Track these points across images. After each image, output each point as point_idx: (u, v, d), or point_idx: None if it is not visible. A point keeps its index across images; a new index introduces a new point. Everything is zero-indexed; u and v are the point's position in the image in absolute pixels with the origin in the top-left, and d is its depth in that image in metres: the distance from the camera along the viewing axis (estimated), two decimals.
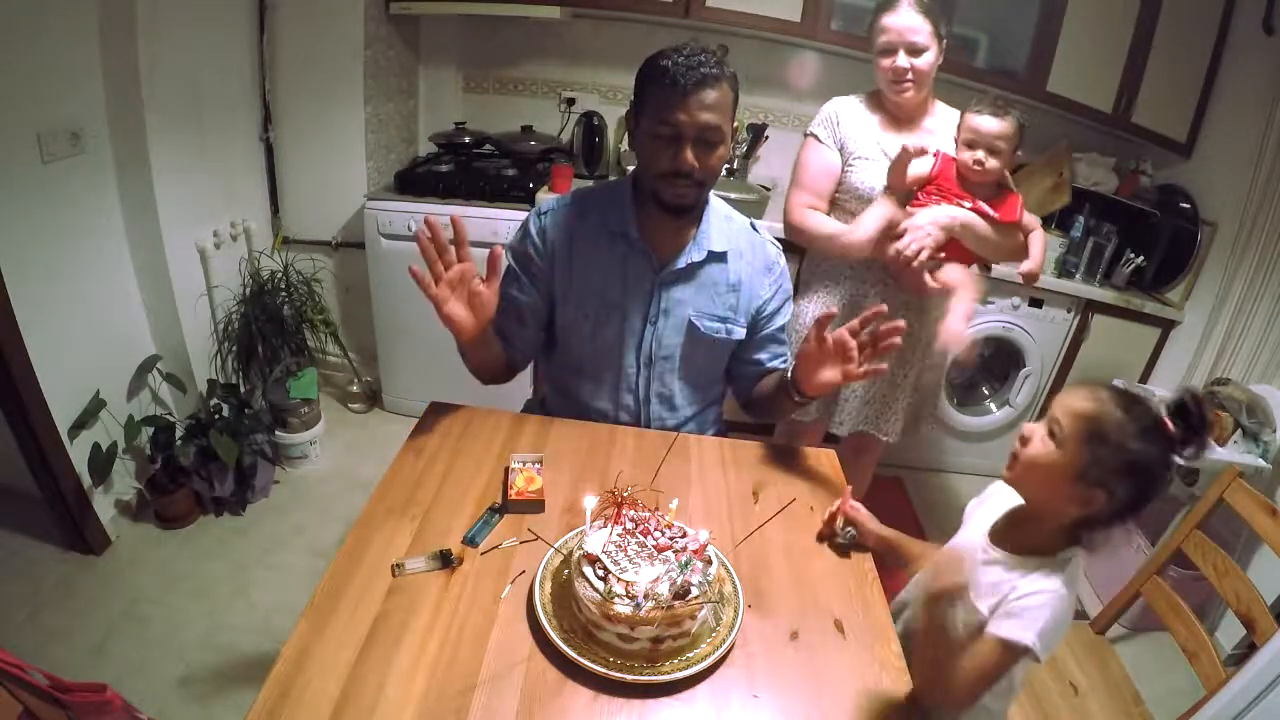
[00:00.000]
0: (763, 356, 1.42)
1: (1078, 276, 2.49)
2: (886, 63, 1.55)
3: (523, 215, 2.31)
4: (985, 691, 0.88)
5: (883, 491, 2.53)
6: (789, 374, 1.28)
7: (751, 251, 1.35)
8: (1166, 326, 2.49)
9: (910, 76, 1.54)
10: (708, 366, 1.41)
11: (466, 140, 2.60)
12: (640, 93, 1.20)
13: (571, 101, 2.73)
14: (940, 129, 1.63)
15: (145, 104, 1.88)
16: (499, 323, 1.38)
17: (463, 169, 2.51)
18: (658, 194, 1.23)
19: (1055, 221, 2.53)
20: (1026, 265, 1.61)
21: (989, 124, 1.48)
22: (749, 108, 2.72)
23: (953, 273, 1.58)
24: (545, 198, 2.34)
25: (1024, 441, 0.93)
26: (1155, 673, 1.79)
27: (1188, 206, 2.45)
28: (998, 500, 1.05)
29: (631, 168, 1.58)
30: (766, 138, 2.67)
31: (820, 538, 1.12)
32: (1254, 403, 1.95)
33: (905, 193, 1.57)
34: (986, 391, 2.71)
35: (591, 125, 2.60)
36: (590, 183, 2.58)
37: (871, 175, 1.60)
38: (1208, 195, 2.41)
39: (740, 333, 1.37)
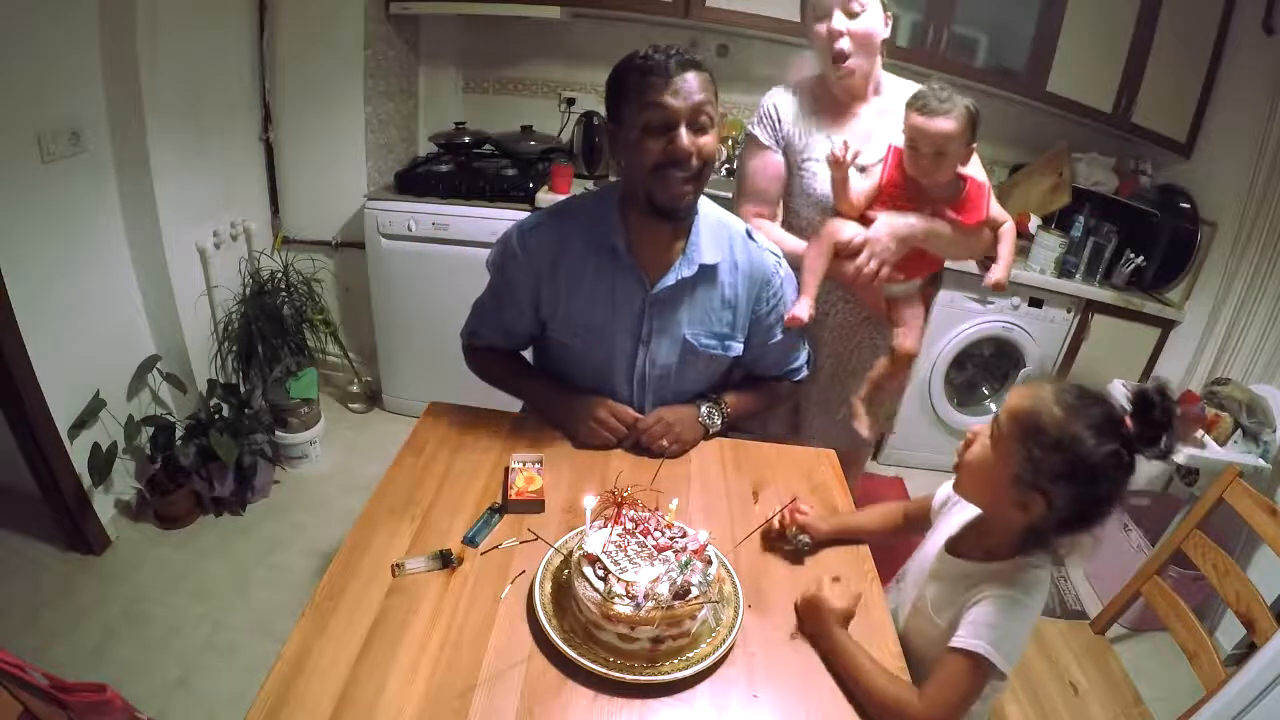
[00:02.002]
0: (765, 369, 1.40)
1: (1078, 276, 2.48)
2: (821, 28, 1.35)
3: (523, 216, 2.34)
4: (963, 713, 0.83)
5: (883, 491, 2.53)
6: None
7: (748, 264, 1.28)
8: (1166, 326, 2.49)
9: (846, 47, 1.33)
10: (705, 377, 1.36)
11: (466, 140, 2.60)
12: (618, 93, 1.14)
13: (571, 101, 2.73)
14: (895, 107, 1.39)
15: (145, 104, 1.88)
16: (490, 337, 1.37)
17: (463, 169, 2.51)
18: (652, 195, 1.15)
19: (1055, 221, 2.53)
20: (992, 276, 1.39)
21: (931, 124, 1.26)
22: (749, 108, 2.72)
23: (906, 312, 1.49)
24: (539, 204, 2.35)
25: (966, 445, 0.89)
26: (1155, 673, 1.80)
27: (1188, 206, 2.45)
28: (962, 507, 1.01)
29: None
30: None
31: (769, 544, 1.08)
32: (1254, 403, 1.95)
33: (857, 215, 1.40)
34: (986, 391, 2.71)
35: (591, 125, 2.60)
36: (590, 183, 2.57)
37: (828, 180, 1.42)
38: (1208, 195, 2.41)
39: (738, 348, 1.33)
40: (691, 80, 1.10)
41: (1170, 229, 2.46)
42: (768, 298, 1.32)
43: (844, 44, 1.34)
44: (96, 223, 1.93)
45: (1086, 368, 2.53)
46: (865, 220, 1.37)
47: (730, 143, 2.66)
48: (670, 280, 1.23)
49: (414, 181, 2.41)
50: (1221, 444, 1.93)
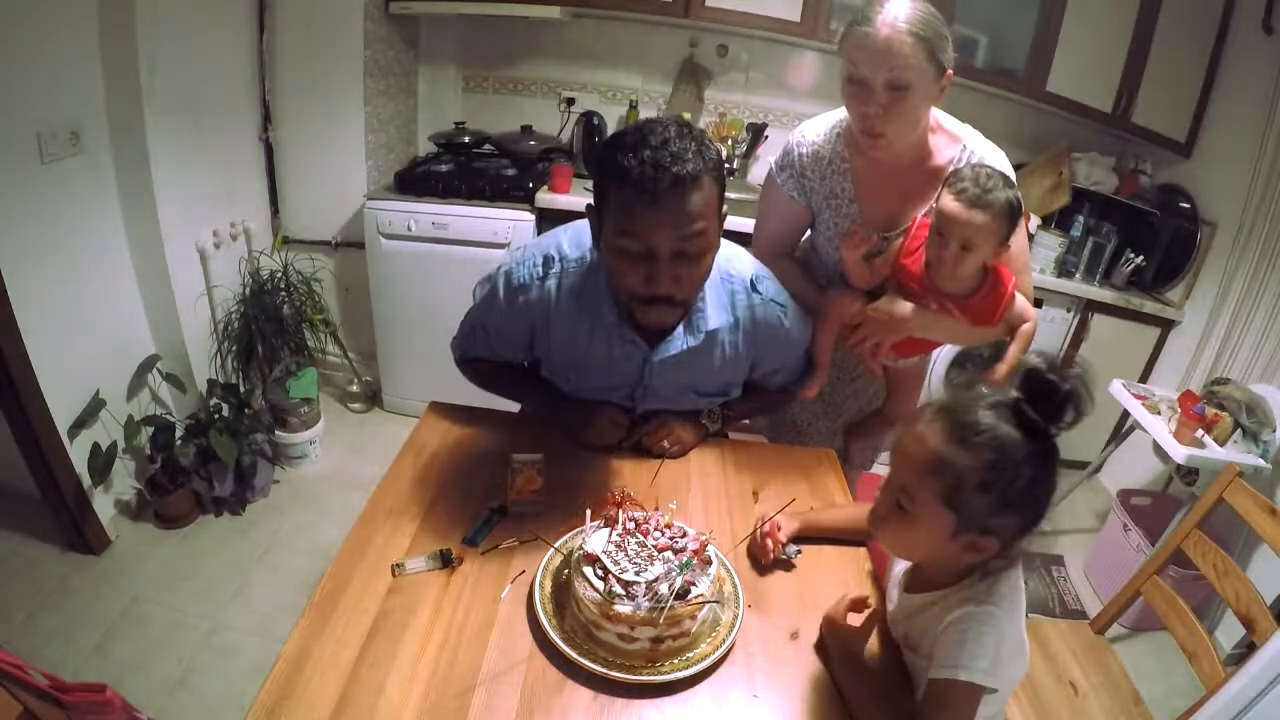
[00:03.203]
0: (768, 384, 1.38)
1: (1077, 276, 2.49)
2: (851, 101, 1.17)
3: (523, 216, 2.35)
4: None
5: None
6: None
7: (751, 322, 1.21)
8: (1166, 326, 2.49)
9: (879, 129, 1.14)
10: (703, 406, 1.34)
11: (466, 140, 2.60)
12: (601, 186, 1.00)
13: (571, 101, 2.73)
14: (943, 167, 1.25)
15: (145, 104, 1.88)
16: (481, 354, 1.34)
17: (462, 169, 2.51)
18: (633, 314, 1.10)
19: (1055, 221, 2.53)
20: (994, 373, 1.28)
21: (963, 214, 1.11)
22: (749, 108, 2.72)
23: (904, 378, 1.48)
24: (539, 204, 2.34)
25: (877, 518, 0.84)
26: (1155, 673, 1.80)
27: (1187, 206, 2.45)
28: None
29: None
30: (766, 137, 2.67)
31: (756, 559, 1.05)
32: (1254, 403, 1.95)
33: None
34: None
35: (591, 125, 2.60)
36: (590, 184, 2.57)
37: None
38: (1207, 195, 2.41)
39: (738, 390, 1.33)
40: (685, 205, 0.93)
41: (1170, 229, 2.47)
42: (770, 344, 1.26)
43: (877, 125, 1.15)
44: (96, 223, 1.92)
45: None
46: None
47: (730, 142, 2.66)
48: (674, 350, 1.18)
49: (414, 181, 2.41)
50: (1221, 444, 1.93)
